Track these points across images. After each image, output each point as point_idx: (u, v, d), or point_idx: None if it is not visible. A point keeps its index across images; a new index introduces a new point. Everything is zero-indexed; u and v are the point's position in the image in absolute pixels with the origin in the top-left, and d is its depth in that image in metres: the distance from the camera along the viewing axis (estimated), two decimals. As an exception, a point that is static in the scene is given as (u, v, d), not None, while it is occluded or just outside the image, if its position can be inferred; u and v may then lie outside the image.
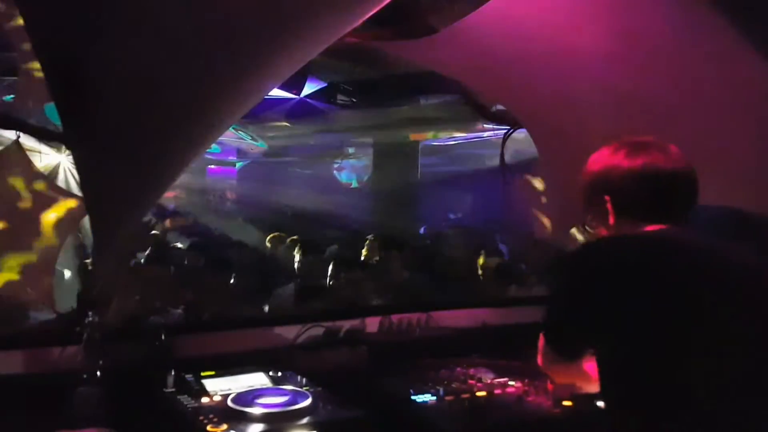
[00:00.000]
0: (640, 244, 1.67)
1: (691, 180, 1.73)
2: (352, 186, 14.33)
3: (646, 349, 1.55)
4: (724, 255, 1.63)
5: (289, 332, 2.66)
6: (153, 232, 6.80)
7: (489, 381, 2.40)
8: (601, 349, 1.67)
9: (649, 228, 1.70)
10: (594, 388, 2.10)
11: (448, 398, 2.21)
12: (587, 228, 1.88)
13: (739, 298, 1.57)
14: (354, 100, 7.81)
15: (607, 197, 1.75)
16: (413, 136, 9.59)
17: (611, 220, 1.76)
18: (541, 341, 1.78)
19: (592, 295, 1.63)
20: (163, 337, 2.34)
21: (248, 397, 2.05)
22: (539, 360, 1.88)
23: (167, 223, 7.98)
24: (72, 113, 1.56)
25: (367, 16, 1.97)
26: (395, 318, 2.87)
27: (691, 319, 1.54)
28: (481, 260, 5.80)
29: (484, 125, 8.63)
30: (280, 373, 2.30)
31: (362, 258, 5.97)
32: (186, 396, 2.10)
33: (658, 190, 1.70)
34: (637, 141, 1.76)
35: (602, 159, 1.78)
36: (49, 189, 3.98)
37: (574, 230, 2.02)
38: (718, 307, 1.55)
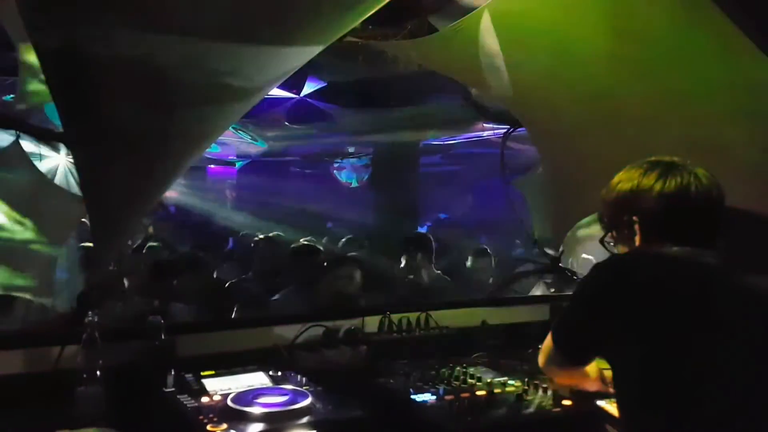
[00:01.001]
0: (668, 261, 1.68)
1: (720, 204, 1.74)
2: (352, 185, 14.33)
3: (662, 365, 1.57)
4: (746, 279, 1.65)
5: (289, 332, 2.66)
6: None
7: (489, 380, 2.41)
8: (615, 360, 1.68)
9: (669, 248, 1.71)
10: (591, 386, 2.11)
11: (447, 397, 2.21)
12: (606, 244, 1.88)
13: (756, 320, 1.59)
14: (353, 99, 7.80)
15: (635, 218, 1.76)
16: (413, 136, 9.57)
17: (638, 242, 1.77)
18: (547, 343, 1.79)
19: (614, 307, 1.64)
20: (163, 336, 2.34)
21: (248, 396, 2.06)
22: (540, 360, 1.89)
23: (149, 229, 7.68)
24: (72, 113, 1.56)
25: (368, 14, 1.97)
26: (395, 317, 2.87)
27: (707, 337, 1.56)
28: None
29: (484, 125, 8.62)
30: (280, 373, 2.31)
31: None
32: (186, 395, 2.10)
33: (690, 215, 1.71)
34: (667, 162, 1.77)
35: (632, 179, 1.78)
36: (49, 188, 3.98)
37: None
38: (736, 326, 1.57)
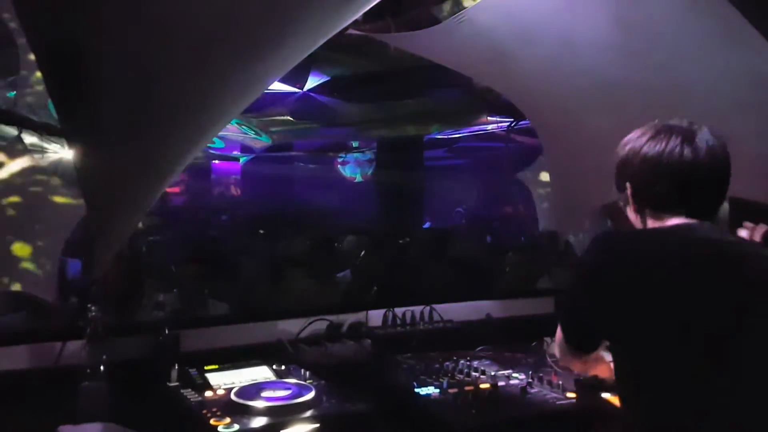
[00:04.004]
0: (651, 240, 1.60)
1: (717, 172, 1.60)
2: (357, 180, 14.33)
3: (657, 349, 1.50)
4: (745, 254, 1.56)
5: (292, 326, 2.66)
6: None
7: (493, 373, 2.40)
8: (613, 344, 1.62)
9: (672, 222, 1.60)
10: (605, 373, 2.09)
11: (451, 391, 2.21)
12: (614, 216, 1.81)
13: (754, 300, 1.49)
14: (357, 93, 7.78)
15: (629, 184, 1.66)
16: (417, 130, 9.55)
17: (632, 209, 1.68)
18: (559, 334, 1.73)
19: (599, 290, 1.57)
20: (166, 331, 2.34)
21: (252, 390, 2.05)
22: (555, 352, 1.86)
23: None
24: (70, 108, 1.56)
25: (369, 6, 1.96)
26: (399, 311, 2.86)
27: (699, 317, 1.48)
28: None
29: (488, 118, 8.60)
30: (283, 367, 2.30)
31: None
32: (190, 390, 2.10)
33: (678, 182, 1.58)
34: (671, 125, 1.63)
35: (628, 142, 1.67)
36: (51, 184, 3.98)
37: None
38: (732, 306, 1.48)
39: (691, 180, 1.58)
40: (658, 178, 1.59)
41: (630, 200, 1.67)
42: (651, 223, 1.65)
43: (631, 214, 1.71)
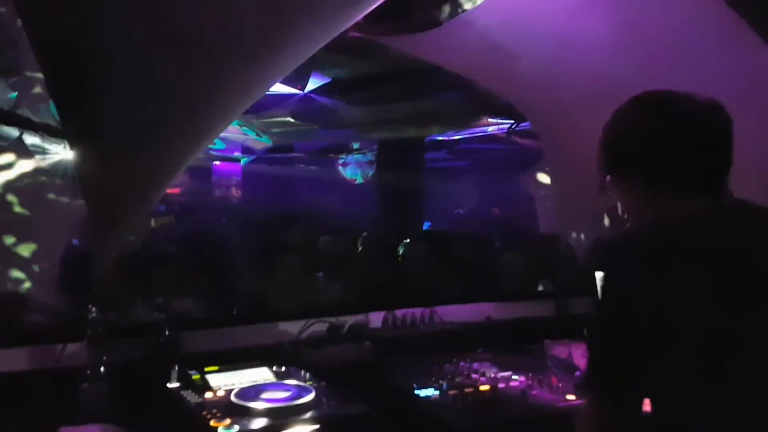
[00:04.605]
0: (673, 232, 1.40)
1: (706, 137, 1.46)
2: (357, 182, 14.33)
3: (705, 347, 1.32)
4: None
5: (292, 327, 2.66)
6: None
7: (493, 375, 2.40)
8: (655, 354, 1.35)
9: (679, 203, 1.44)
10: None
11: (451, 392, 2.21)
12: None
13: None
14: (358, 95, 7.79)
15: (624, 164, 1.52)
16: (418, 131, 9.56)
17: (628, 193, 1.53)
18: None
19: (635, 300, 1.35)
20: (166, 332, 2.34)
21: (252, 392, 2.06)
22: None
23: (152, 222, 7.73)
24: (71, 109, 1.56)
25: (370, 9, 1.96)
26: (399, 313, 2.86)
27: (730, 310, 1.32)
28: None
29: (489, 120, 8.60)
30: (283, 368, 2.31)
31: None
32: (190, 391, 2.10)
33: (682, 156, 1.44)
34: (659, 95, 1.54)
35: (621, 116, 1.55)
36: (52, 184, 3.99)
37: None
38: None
39: (696, 152, 1.45)
40: (665, 154, 1.45)
41: (628, 186, 1.53)
42: (658, 209, 1.47)
43: (628, 203, 1.56)
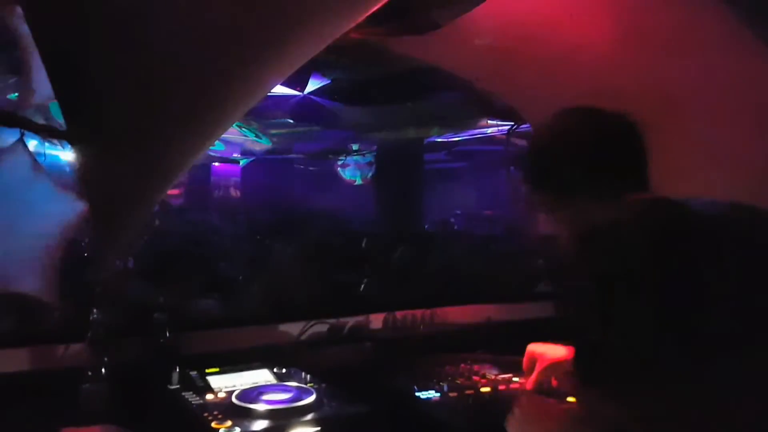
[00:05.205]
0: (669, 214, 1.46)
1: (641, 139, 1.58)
2: (357, 183, 14.34)
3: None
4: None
5: (293, 329, 2.66)
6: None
7: (493, 377, 2.40)
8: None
9: (636, 197, 1.51)
10: None
11: (452, 394, 2.21)
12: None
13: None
14: (357, 96, 7.80)
15: (569, 169, 1.59)
16: (417, 133, 9.57)
17: (565, 203, 1.60)
18: None
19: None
20: (167, 333, 2.35)
21: (252, 393, 2.06)
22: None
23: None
24: (75, 110, 1.56)
25: (371, 11, 1.96)
26: (399, 314, 2.87)
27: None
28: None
29: (488, 121, 8.62)
30: (284, 370, 2.31)
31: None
32: (190, 393, 2.10)
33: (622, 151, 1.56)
34: (576, 108, 1.64)
35: (555, 126, 1.64)
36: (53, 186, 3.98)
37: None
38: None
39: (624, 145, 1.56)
40: (617, 152, 1.56)
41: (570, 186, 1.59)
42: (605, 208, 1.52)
43: (564, 215, 1.63)
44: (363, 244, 6.52)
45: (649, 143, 1.60)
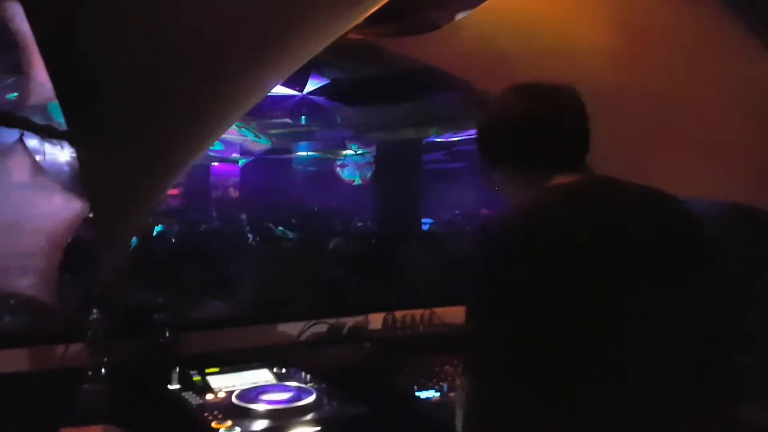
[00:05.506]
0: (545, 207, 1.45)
1: (581, 117, 1.58)
2: (355, 183, 14.35)
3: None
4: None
5: (293, 329, 2.66)
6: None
7: (493, 377, 2.40)
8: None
9: (558, 181, 1.51)
10: None
11: (452, 394, 2.21)
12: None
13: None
14: (356, 96, 7.81)
15: (498, 149, 1.61)
16: (416, 133, 9.58)
17: (506, 179, 1.60)
18: None
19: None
20: (167, 333, 2.35)
21: (252, 393, 2.06)
22: None
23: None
24: (76, 110, 1.56)
25: (370, 12, 1.97)
26: (399, 314, 2.87)
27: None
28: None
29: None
30: (284, 370, 2.31)
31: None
32: (190, 393, 2.11)
33: (548, 134, 1.53)
34: (523, 84, 1.61)
35: (497, 102, 1.64)
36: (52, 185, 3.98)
37: None
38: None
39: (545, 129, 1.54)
40: (533, 134, 1.54)
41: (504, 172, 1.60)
42: (535, 188, 1.53)
43: (508, 190, 1.62)
44: (362, 244, 6.52)
45: (591, 125, 1.60)
